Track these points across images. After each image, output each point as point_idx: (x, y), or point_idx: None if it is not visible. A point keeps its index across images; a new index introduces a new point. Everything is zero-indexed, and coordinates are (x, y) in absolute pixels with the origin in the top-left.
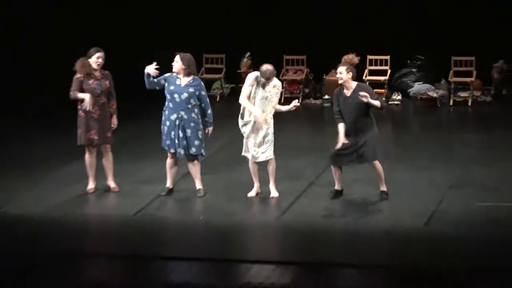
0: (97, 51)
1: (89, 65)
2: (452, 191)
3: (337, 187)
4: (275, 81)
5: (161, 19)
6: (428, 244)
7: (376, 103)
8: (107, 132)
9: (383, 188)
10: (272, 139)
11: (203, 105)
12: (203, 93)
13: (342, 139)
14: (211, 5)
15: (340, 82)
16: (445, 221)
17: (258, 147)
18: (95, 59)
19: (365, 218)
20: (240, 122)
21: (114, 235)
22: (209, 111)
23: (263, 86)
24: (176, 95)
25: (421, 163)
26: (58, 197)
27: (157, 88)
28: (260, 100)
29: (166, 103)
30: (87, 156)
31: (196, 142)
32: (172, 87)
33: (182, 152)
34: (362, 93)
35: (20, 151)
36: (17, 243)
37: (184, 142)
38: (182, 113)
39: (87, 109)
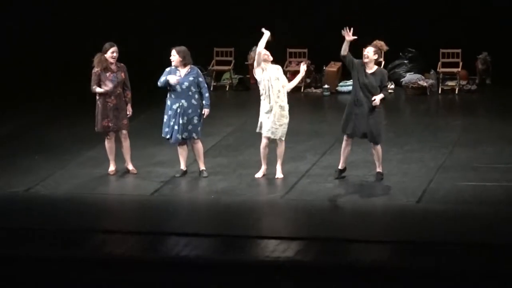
0: (111, 46)
1: (106, 60)
2: (441, 171)
3: (340, 166)
4: (274, 65)
5: (173, 14)
6: (420, 219)
7: (382, 96)
8: (123, 120)
9: (379, 169)
10: (288, 121)
11: (201, 90)
12: (201, 79)
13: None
14: (223, 4)
15: (365, 60)
16: (434, 199)
17: (279, 124)
18: (110, 54)
19: (362, 197)
20: (267, 107)
21: (133, 213)
22: (207, 94)
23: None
24: (178, 86)
25: (412, 146)
26: (81, 179)
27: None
28: (274, 81)
29: (168, 94)
30: (106, 141)
31: (189, 127)
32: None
33: (180, 137)
34: (375, 103)
35: (43, 138)
36: (45, 220)
37: (182, 128)
38: (183, 101)
39: (108, 89)
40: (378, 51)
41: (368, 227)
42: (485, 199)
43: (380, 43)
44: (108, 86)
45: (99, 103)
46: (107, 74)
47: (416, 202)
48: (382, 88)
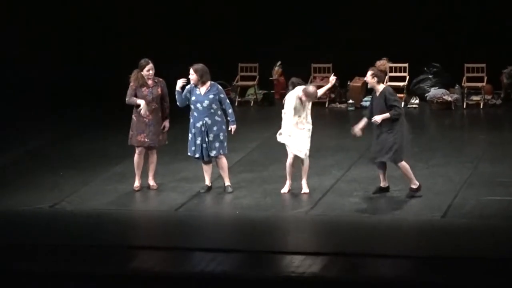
0: (147, 63)
1: (142, 77)
2: (466, 186)
3: (381, 184)
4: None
5: (198, 30)
6: (445, 234)
7: (386, 115)
8: (159, 135)
9: (411, 185)
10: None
11: (223, 106)
12: (222, 95)
13: (357, 127)
14: (247, 19)
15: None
16: (460, 214)
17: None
18: (146, 72)
19: (387, 212)
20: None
21: (159, 228)
22: (230, 110)
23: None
24: (198, 104)
25: (437, 161)
26: (106, 194)
27: (188, 103)
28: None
29: (191, 112)
30: (136, 156)
31: (217, 145)
32: (193, 98)
33: (209, 155)
34: (373, 119)
35: (69, 154)
36: (70, 236)
37: (210, 146)
38: (206, 119)
39: (143, 113)
40: (376, 72)
41: (393, 242)
42: (511, 214)
43: (379, 63)
44: (142, 103)
45: (134, 117)
46: (143, 89)
47: (441, 217)
48: (388, 107)
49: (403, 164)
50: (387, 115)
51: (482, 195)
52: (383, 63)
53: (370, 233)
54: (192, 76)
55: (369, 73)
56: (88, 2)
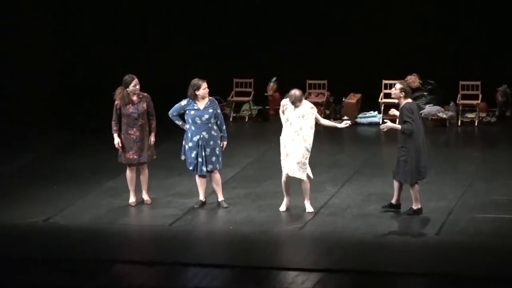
0: (132, 79)
1: (128, 95)
2: (460, 204)
3: (393, 200)
4: (309, 104)
5: (194, 45)
6: (439, 252)
7: (396, 126)
8: (147, 151)
9: (413, 205)
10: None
11: (218, 122)
12: (219, 111)
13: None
14: (243, 35)
15: (392, 96)
16: (453, 231)
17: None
18: (132, 88)
19: (381, 229)
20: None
21: (152, 243)
22: (224, 127)
23: (296, 106)
24: (197, 118)
25: (431, 178)
26: (100, 209)
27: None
28: (296, 119)
29: (188, 126)
30: (128, 171)
31: (213, 159)
32: (192, 112)
33: (204, 169)
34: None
35: (63, 168)
36: (64, 250)
37: (204, 160)
38: (204, 133)
39: (115, 145)
40: (406, 87)
41: (387, 259)
42: (504, 232)
43: (411, 78)
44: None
45: (122, 135)
46: (127, 107)
47: (435, 234)
48: (402, 122)
49: (415, 186)
50: (398, 126)
51: (476, 213)
52: (413, 80)
53: (363, 250)
54: (207, 89)
55: (398, 86)
56: None
